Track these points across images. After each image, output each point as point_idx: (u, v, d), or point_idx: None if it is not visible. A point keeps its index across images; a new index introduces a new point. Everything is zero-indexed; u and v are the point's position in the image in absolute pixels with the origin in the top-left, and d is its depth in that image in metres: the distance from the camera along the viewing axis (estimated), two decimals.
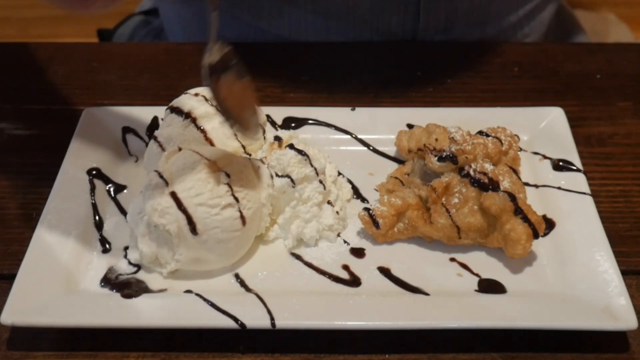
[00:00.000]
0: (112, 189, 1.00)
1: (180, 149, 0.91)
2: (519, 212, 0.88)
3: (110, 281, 0.88)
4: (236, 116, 0.86)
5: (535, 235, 0.88)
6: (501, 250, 0.91)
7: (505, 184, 0.91)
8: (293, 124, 1.09)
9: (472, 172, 0.91)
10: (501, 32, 1.42)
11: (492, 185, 0.89)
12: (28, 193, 1.03)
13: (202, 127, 0.95)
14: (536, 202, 0.96)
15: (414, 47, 1.31)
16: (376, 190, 1.01)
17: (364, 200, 1.00)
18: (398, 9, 1.33)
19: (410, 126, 1.07)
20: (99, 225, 0.95)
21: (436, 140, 0.94)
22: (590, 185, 0.98)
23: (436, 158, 0.93)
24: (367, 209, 0.92)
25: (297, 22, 1.28)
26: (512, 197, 0.88)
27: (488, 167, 0.91)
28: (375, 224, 0.91)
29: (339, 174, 1.01)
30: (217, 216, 0.85)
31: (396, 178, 0.98)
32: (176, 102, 0.97)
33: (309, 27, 1.31)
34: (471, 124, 1.04)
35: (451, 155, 0.92)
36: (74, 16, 2.21)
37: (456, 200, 0.91)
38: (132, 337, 0.84)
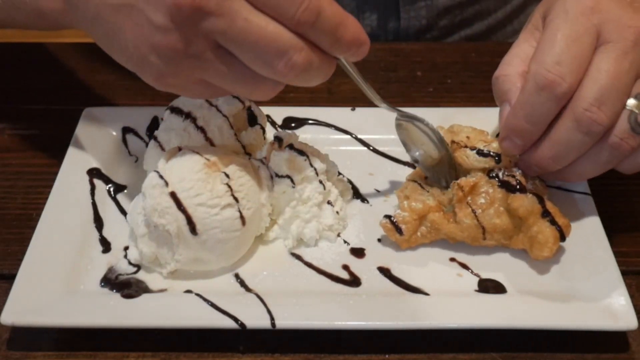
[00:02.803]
0: (112, 189, 1.00)
1: (180, 149, 0.91)
2: (547, 214, 0.88)
3: (110, 281, 0.88)
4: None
5: (562, 238, 0.88)
6: (501, 250, 0.91)
7: (529, 186, 0.91)
8: (293, 124, 1.09)
9: (500, 175, 0.90)
10: (490, 29, 1.42)
11: (519, 188, 0.89)
12: (28, 193, 1.03)
13: (202, 127, 0.95)
14: None
15: (414, 47, 1.31)
16: (378, 190, 1.01)
17: (364, 200, 1.00)
18: (377, 9, 1.33)
19: None
20: (99, 225, 0.95)
21: (467, 138, 0.93)
22: (590, 185, 0.98)
23: (474, 151, 0.92)
24: (388, 217, 0.91)
25: None
26: (540, 200, 0.88)
27: (515, 170, 0.91)
28: (399, 230, 0.90)
29: (339, 174, 1.01)
30: (216, 216, 0.85)
31: (415, 182, 0.96)
32: (176, 102, 0.97)
33: None
34: (471, 124, 1.04)
35: (493, 153, 0.91)
36: None
37: (482, 200, 0.90)
38: (132, 337, 0.84)
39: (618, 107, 0.84)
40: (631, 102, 0.85)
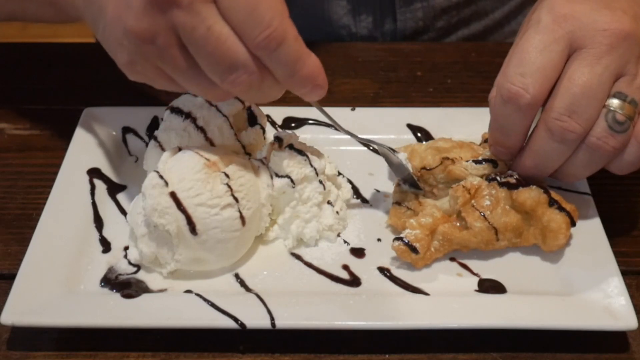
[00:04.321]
0: (112, 189, 1.00)
1: (180, 149, 0.91)
2: (554, 202, 0.88)
3: (110, 281, 0.88)
4: None
5: (573, 223, 0.88)
6: (501, 250, 0.91)
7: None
8: (293, 124, 1.09)
9: (499, 178, 0.91)
10: (487, 30, 1.42)
11: (520, 184, 0.89)
12: (28, 193, 1.03)
13: (202, 127, 0.95)
14: None
15: (414, 47, 1.31)
16: (378, 190, 1.01)
17: (364, 200, 1.00)
18: (373, 11, 1.33)
19: (410, 126, 1.08)
20: (99, 225, 0.95)
21: (460, 158, 0.94)
22: (590, 185, 0.98)
23: (470, 162, 0.92)
24: (399, 239, 0.89)
25: None
26: (545, 189, 0.89)
27: (510, 172, 0.92)
28: (413, 250, 0.88)
29: (339, 174, 1.01)
30: (216, 216, 0.85)
31: (396, 204, 0.95)
32: (176, 102, 0.97)
33: None
34: (471, 124, 1.04)
35: (490, 160, 0.92)
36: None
37: (487, 202, 0.90)
38: (132, 337, 0.84)
39: (591, 114, 0.84)
40: (610, 101, 0.84)
